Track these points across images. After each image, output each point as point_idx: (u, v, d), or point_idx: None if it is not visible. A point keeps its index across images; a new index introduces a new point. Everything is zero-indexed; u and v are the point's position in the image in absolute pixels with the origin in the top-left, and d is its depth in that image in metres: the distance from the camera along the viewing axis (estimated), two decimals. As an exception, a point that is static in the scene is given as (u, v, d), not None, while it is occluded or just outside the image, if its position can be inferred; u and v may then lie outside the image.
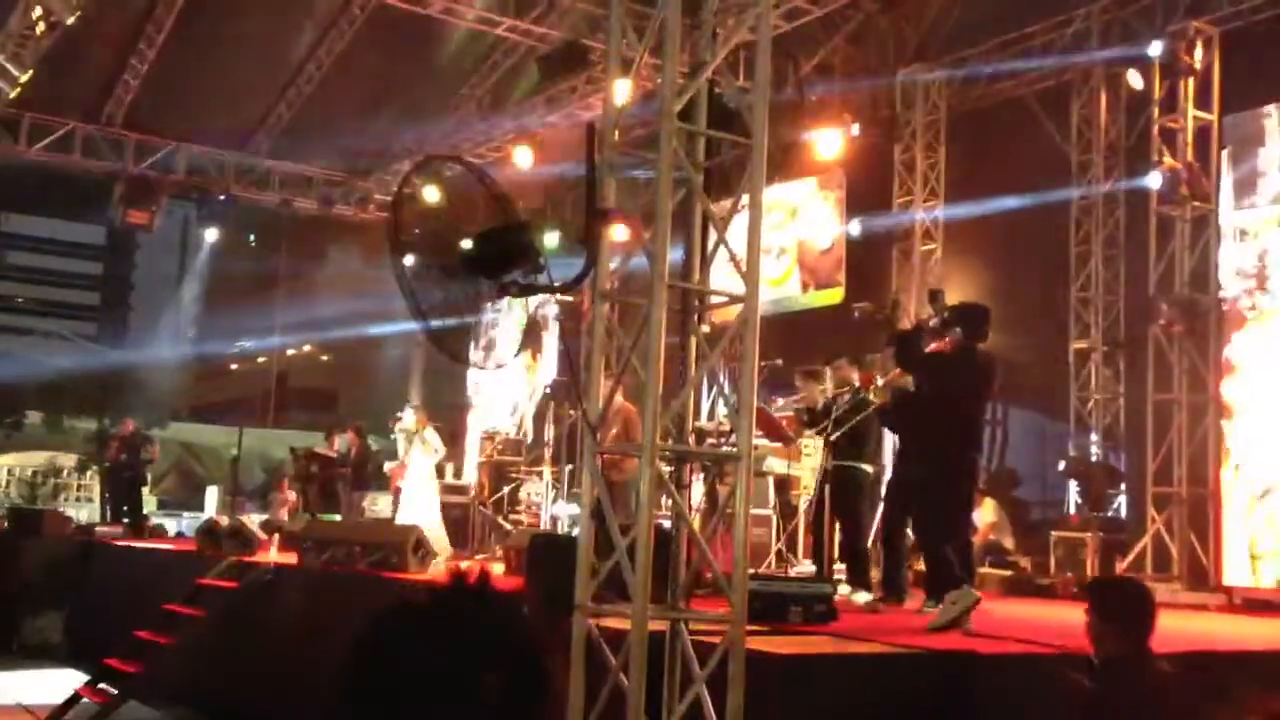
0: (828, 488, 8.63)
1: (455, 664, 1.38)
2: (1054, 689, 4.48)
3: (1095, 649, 4.26)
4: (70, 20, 12.81)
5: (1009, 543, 11.95)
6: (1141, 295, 11.81)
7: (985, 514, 11.62)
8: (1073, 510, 12.32)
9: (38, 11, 12.56)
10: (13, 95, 14.37)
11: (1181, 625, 7.36)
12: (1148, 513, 11.31)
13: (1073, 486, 12.59)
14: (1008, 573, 11.03)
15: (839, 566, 8.99)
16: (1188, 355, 11.29)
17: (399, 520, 12.43)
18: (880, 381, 8.69)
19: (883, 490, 9.29)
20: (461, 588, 1.45)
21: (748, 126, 4.79)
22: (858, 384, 8.77)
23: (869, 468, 8.82)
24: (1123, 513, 12.20)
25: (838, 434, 8.56)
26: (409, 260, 5.19)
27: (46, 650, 12.82)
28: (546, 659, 1.46)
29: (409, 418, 13.36)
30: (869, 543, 9.19)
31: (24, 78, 13.86)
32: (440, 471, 14.02)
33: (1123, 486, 12.33)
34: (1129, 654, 4.17)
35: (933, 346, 7.37)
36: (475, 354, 16.09)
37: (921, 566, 8.62)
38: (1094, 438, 12.60)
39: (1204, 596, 10.46)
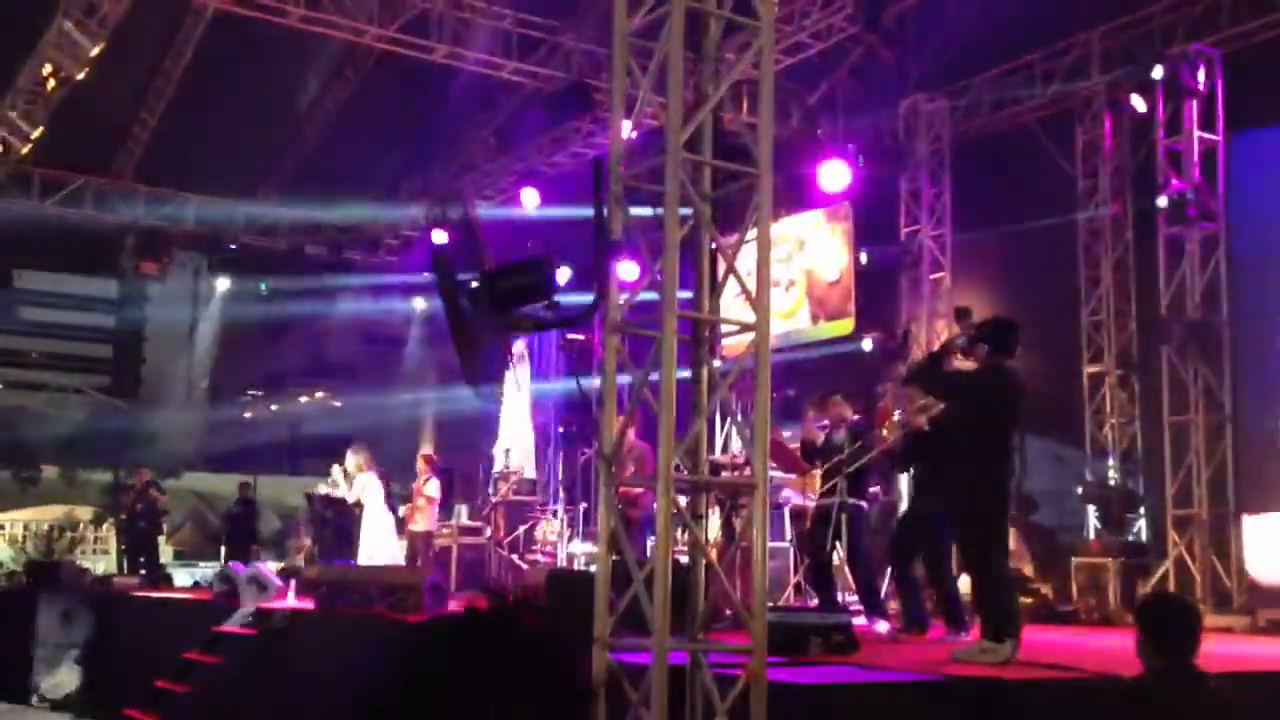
0: (844, 518, 8.58)
1: (493, 686, 1.37)
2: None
3: (1144, 666, 4.26)
4: (80, 75, 12.96)
5: (1029, 569, 11.86)
6: (1153, 317, 11.79)
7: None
8: (1092, 535, 12.23)
9: (48, 68, 12.72)
10: (25, 151, 14.53)
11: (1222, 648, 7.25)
12: (1169, 536, 11.22)
13: (1091, 511, 12.51)
14: (1029, 600, 10.94)
15: (852, 598, 8.95)
16: (1202, 376, 11.25)
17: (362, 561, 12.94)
18: (896, 417, 8.64)
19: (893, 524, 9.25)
20: (500, 613, 1.45)
21: (754, 158, 4.81)
22: (853, 420, 8.75)
23: (863, 502, 8.74)
24: (1143, 536, 12.11)
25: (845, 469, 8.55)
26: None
27: (65, 703, 12.76)
28: (585, 685, 1.45)
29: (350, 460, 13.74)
30: (882, 576, 9.15)
31: (35, 133, 14.02)
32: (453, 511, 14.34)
33: (1142, 510, 12.25)
34: (1172, 670, 4.15)
35: (956, 365, 7.15)
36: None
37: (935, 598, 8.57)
38: (1111, 461, 12.54)
39: (1229, 619, 10.36)
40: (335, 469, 13.93)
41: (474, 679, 1.19)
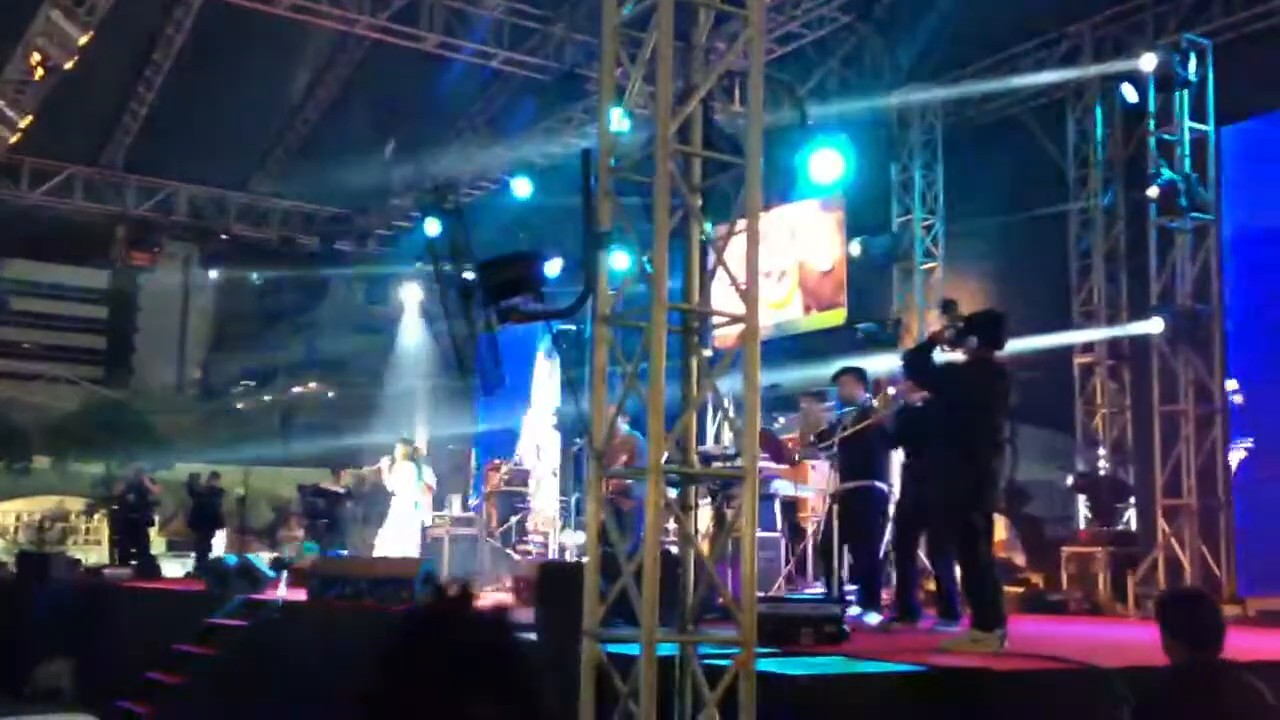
0: (836, 509, 8.57)
1: (444, 684, 1.37)
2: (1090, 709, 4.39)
3: (1172, 662, 4.26)
4: (69, 65, 12.89)
5: (1019, 559, 11.90)
6: (1144, 307, 11.80)
7: (994, 531, 11.57)
8: (1083, 525, 12.26)
9: (36, 57, 12.65)
10: (13, 140, 14.46)
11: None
12: (1158, 526, 11.24)
13: (1082, 501, 12.54)
14: (1019, 589, 10.97)
15: (850, 587, 8.92)
16: (1193, 366, 11.26)
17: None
18: (891, 391, 8.59)
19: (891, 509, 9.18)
20: (445, 611, 1.45)
21: (744, 148, 4.80)
22: (863, 400, 8.64)
23: (884, 485, 8.62)
24: (1133, 526, 12.14)
25: (847, 453, 8.48)
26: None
27: (57, 696, 12.76)
28: (534, 677, 1.45)
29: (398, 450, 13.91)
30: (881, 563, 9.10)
31: (24, 123, 13.95)
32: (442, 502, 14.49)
33: (1132, 500, 12.27)
34: (1203, 663, 4.16)
35: (947, 357, 7.14)
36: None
37: (934, 586, 8.59)
38: (1101, 451, 12.56)
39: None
40: (384, 459, 14.13)
41: (429, 673, 1.21)
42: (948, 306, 7.38)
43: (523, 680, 1.42)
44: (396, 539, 13.86)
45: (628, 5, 4.98)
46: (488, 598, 8.11)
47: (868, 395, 8.70)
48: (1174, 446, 11.25)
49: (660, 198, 4.48)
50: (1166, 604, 4.53)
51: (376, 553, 13.73)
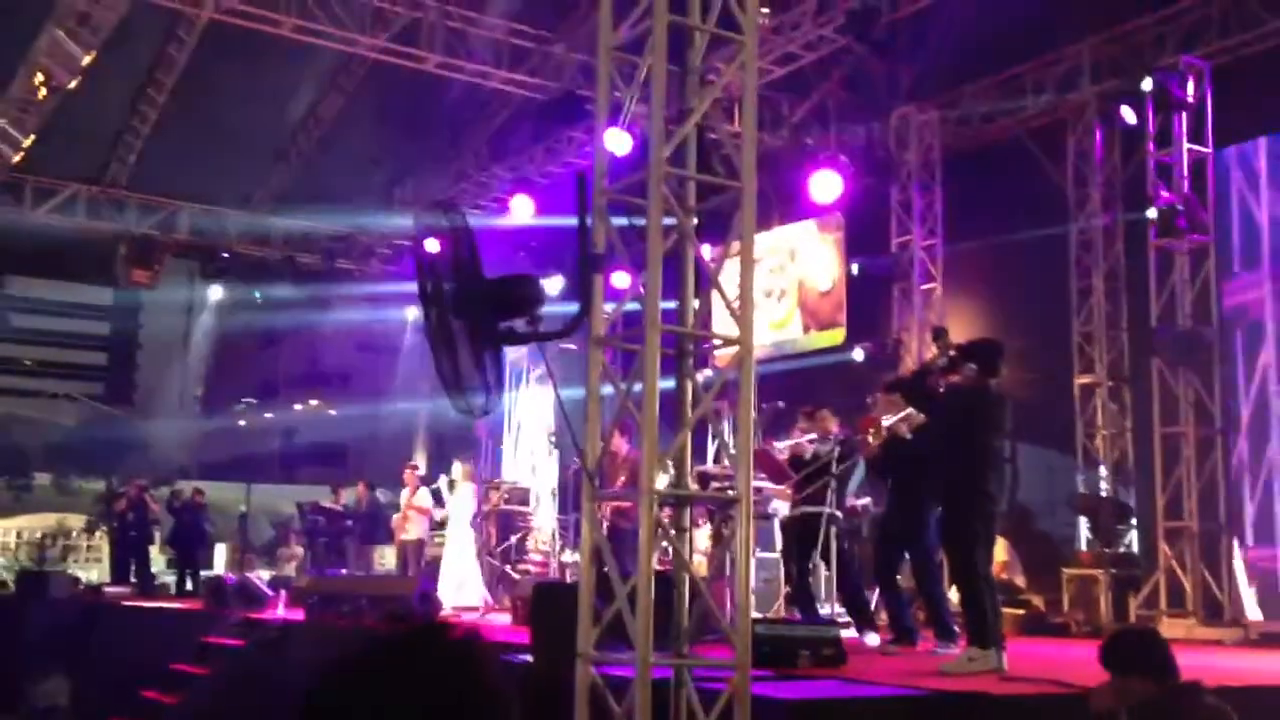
0: (834, 529, 8.58)
1: (402, 712, 1.36)
2: None
3: (1139, 700, 4.20)
4: (72, 84, 12.95)
5: (1020, 581, 11.85)
6: (1144, 328, 11.79)
7: (996, 553, 11.52)
8: (1084, 547, 12.22)
9: (40, 76, 12.71)
10: (16, 159, 14.51)
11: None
12: (1160, 548, 11.21)
13: (1083, 523, 12.50)
14: (1020, 611, 10.93)
15: (840, 609, 8.95)
16: (1193, 388, 11.25)
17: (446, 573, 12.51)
18: (886, 422, 8.63)
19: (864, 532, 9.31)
20: (409, 637, 1.44)
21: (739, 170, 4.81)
22: (837, 434, 8.79)
23: (839, 512, 8.75)
24: (1135, 548, 12.10)
25: (820, 482, 8.58)
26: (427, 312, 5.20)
27: (54, 714, 12.71)
28: (500, 707, 1.43)
29: (457, 469, 13.43)
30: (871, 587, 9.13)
31: (27, 142, 14.00)
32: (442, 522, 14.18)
33: (1133, 522, 12.23)
34: (1172, 691, 4.13)
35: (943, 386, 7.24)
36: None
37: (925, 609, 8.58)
38: (1103, 473, 12.53)
39: (1220, 631, 10.34)
40: (442, 478, 13.72)
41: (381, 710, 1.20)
42: (938, 335, 7.49)
43: (488, 709, 1.41)
44: (458, 576, 12.52)
45: (624, 28, 5.00)
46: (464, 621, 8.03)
47: (840, 433, 8.85)
48: (1175, 468, 11.23)
49: (653, 220, 4.48)
50: (1116, 647, 4.45)
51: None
